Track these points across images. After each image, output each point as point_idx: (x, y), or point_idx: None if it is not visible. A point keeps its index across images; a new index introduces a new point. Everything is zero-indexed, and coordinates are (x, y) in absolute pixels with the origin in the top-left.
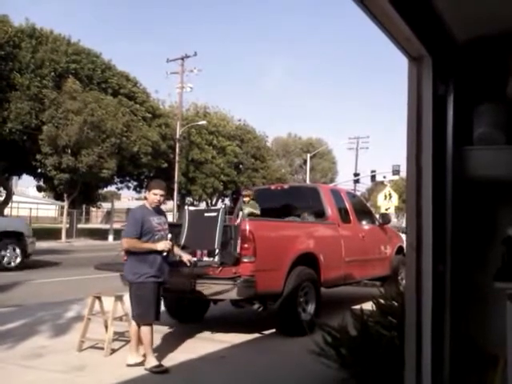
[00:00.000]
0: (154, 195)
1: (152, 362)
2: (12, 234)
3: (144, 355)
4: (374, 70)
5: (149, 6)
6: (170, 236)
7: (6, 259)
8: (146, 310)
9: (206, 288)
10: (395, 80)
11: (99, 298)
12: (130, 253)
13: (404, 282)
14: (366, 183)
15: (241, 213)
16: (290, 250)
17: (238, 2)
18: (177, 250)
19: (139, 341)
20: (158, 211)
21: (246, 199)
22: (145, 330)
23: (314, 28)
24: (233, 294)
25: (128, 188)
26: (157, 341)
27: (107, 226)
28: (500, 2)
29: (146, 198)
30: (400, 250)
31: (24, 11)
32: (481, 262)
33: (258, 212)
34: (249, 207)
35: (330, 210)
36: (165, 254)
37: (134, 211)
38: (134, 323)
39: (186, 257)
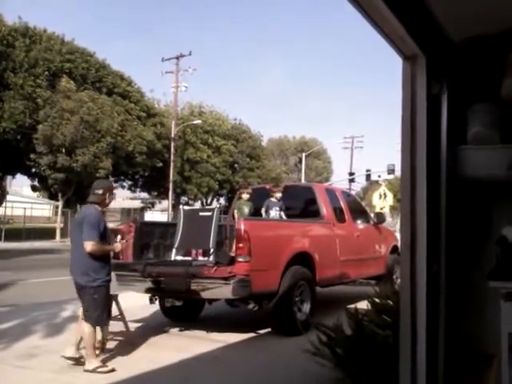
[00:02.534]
0: (112, 195)
1: (94, 363)
2: None
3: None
4: (368, 69)
5: (147, 6)
6: (119, 237)
7: None
8: (102, 314)
9: (201, 287)
10: (389, 79)
11: None
12: (79, 255)
13: (399, 281)
14: (361, 182)
15: (236, 211)
16: (285, 250)
17: (238, 1)
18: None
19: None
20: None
21: (247, 196)
22: (89, 330)
23: (310, 28)
24: (228, 294)
25: (123, 187)
26: (151, 340)
27: None
28: (494, 1)
29: (102, 202)
30: (395, 249)
31: (22, 12)
32: (475, 261)
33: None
34: (246, 206)
35: (325, 209)
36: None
37: (93, 214)
38: (86, 326)
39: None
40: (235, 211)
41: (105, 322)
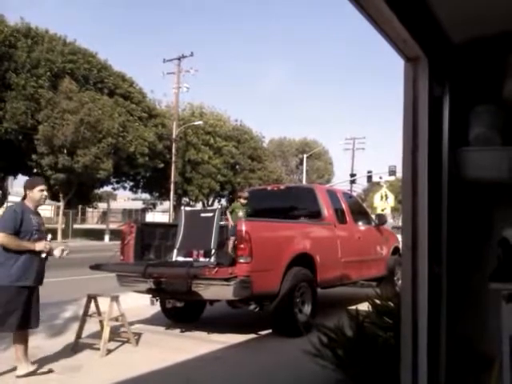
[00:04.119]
0: (41, 191)
1: (25, 367)
2: None
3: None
4: (370, 71)
5: (148, 7)
6: (49, 237)
7: None
8: (2, 319)
9: (202, 289)
10: (391, 80)
11: (95, 299)
12: None
13: (400, 282)
14: (362, 184)
15: (229, 215)
16: (287, 251)
17: (238, 2)
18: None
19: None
20: (36, 212)
21: (244, 201)
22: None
23: (310, 28)
24: (229, 295)
25: (124, 188)
26: (153, 341)
27: (103, 227)
28: (496, 3)
29: (25, 198)
30: (396, 251)
31: (23, 12)
32: (476, 262)
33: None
34: (242, 211)
35: (327, 210)
36: (44, 255)
37: (13, 207)
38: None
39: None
40: (228, 214)
41: (7, 330)
